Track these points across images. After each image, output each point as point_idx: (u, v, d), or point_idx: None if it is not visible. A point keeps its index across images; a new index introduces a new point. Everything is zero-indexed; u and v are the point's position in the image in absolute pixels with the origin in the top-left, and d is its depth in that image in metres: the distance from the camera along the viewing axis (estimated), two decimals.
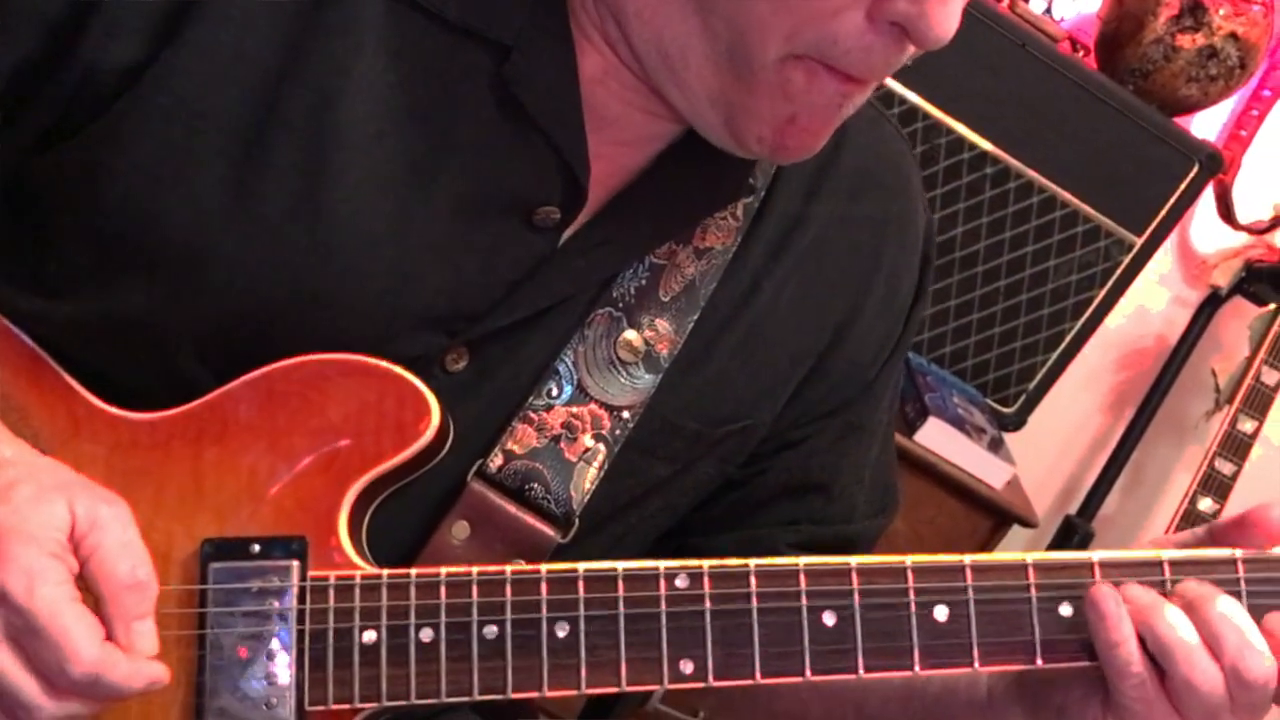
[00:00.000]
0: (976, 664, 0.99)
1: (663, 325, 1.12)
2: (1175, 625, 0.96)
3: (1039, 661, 0.99)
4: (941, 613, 0.99)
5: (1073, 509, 3.11)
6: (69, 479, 0.97)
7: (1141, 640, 0.97)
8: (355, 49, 1.00)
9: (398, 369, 1.03)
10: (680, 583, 0.98)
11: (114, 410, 1.03)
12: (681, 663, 0.98)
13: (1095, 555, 1.00)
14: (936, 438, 2.58)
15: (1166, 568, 1.00)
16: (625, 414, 1.12)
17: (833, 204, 1.19)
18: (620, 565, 0.99)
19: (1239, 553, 1.00)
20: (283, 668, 0.98)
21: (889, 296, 1.25)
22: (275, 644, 0.98)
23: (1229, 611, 0.96)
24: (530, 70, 1.02)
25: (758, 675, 0.98)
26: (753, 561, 0.99)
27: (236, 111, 0.98)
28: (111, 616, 0.93)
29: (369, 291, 1.03)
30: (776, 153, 1.03)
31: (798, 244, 1.18)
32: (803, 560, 0.99)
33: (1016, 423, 2.82)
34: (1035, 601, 0.99)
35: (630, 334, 1.11)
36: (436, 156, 1.03)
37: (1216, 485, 2.68)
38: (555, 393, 1.10)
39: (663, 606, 0.98)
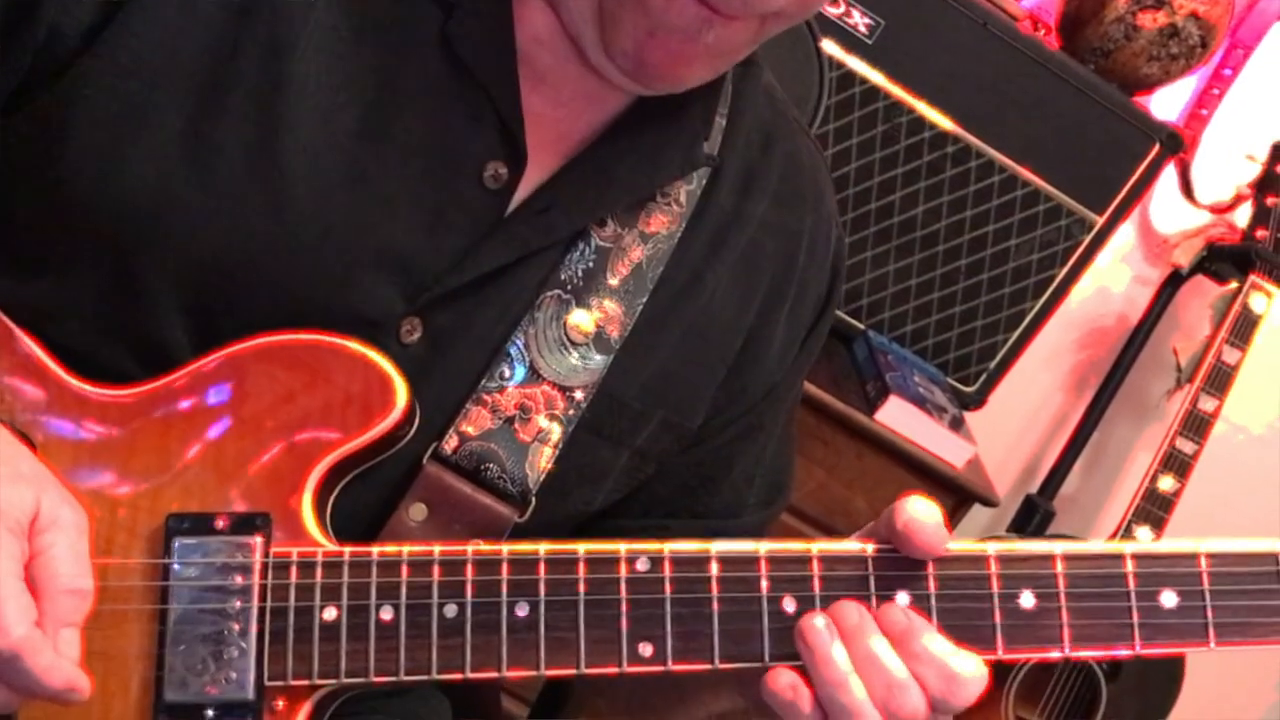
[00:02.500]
0: None
1: (612, 307, 1.13)
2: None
3: (1000, 652, 0.97)
4: (903, 600, 0.98)
5: (1034, 488, 3.11)
6: (44, 475, 0.97)
7: None
8: (306, 3, 1.03)
9: (366, 350, 1.04)
10: (641, 566, 0.98)
11: (85, 385, 1.03)
12: (640, 645, 0.98)
13: (1058, 547, 0.98)
14: (897, 416, 2.57)
15: (1129, 560, 0.98)
16: (578, 394, 1.13)
17: (763, 206, 1.22)
18: (581, 546, 0.99)
19: (1204, 545, 0.98)
20: (243, 643, 0.98)
21: (796, 305, 1.27)
22: (236, 619, 0.98)
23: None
24: (470, 26, 1.05)
25: (716, 660, 0.97)
26: (714, 546, 0.99)
27: (191, 67, 1.01)
28: (44, 614, 0.91)
29: (325, 241, 1.04)
30: (640, 70, 1.05)
31: (735, 241, 1.20)
32: (764, 546, 0.99)
33: (977, 401, 2.83)
34: (997, 592, 0.98)
35: (579, 315, 1.12)
36: (387, 111, 1.05)
37: (1178, 464, 2.69)
38: (507, 374, 1.11)
39: (622, 589, 0.98)
